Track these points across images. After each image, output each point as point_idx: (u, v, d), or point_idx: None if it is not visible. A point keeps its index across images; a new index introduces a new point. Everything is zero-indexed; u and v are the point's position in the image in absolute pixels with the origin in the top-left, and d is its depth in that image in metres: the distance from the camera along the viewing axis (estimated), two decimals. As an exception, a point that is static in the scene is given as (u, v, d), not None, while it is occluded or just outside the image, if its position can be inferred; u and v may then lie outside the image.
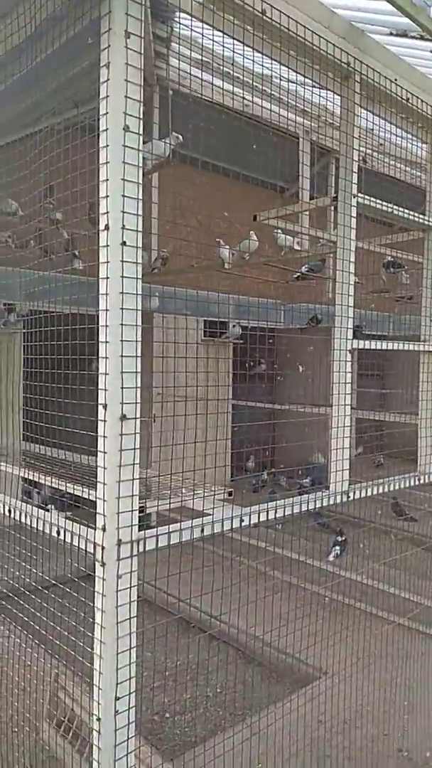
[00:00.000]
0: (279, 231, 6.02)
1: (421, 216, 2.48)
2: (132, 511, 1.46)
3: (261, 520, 1.89)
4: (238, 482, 9.89)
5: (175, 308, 8.04)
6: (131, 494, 1.45)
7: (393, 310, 10.87)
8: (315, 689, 3.94)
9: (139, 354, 1.47)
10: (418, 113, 2.41)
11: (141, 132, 1.43)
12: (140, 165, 1.42)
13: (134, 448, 1.45)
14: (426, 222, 2.50)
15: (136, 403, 1.46)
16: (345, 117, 2.06)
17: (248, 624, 4.35)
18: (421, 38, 2.11)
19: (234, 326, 9.59)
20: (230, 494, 2.14)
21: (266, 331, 10.44)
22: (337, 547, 6.80)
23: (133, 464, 1.45)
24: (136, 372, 1.46)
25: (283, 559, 6.04)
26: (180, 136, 4.23)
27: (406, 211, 2.39)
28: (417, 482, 2.45)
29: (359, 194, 2.09)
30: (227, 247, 6.43)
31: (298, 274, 8.12)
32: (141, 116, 1.43)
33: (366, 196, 2.13)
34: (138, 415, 1.47)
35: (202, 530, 1.63)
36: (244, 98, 6.12)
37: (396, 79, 2.20)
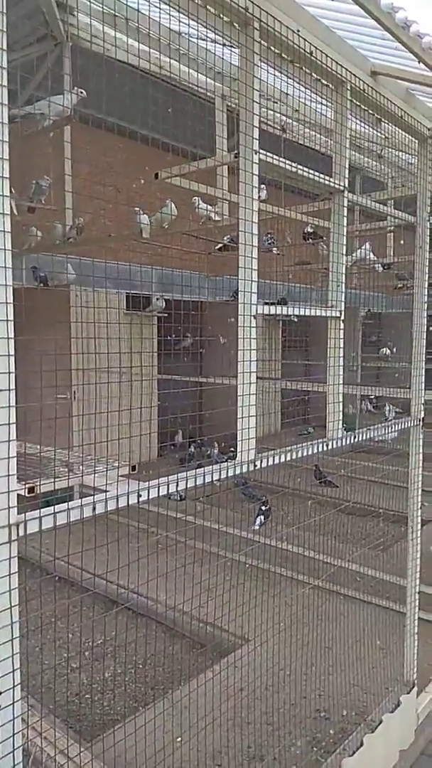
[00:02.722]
0: (197, 199, 5.86)
1: (327, 178, 2.42)
2: (9, 492, 1.33)
3: (164, 493, 1.80)
4: (167, 457, 9.84)
5: (93, 281, 7.77)
6: (7, 474, 1.32)
7: (316, 282, 11.01)
8: (236, 657, 3.97)
9: (11, 318, 1.32)
10: (323, 69, 2.33)
11: (4, 83, 1.27)
12: (4, 121, 1.26)
13: (9, 423, 1.32)
14: (332, 184, 2.44)
15: (9, 372, 1.32)
16: (244, 66, 1.95)
17: (171, 597, 4.33)
18: (322, -15, 2.02)
19: (157, 299, 9.41)
20: (134, 468, 2.04)
21: (190, 304, 10.35)
22: (261, 516, 6.90)
23: (9, 441, 1.32)
24: (8, 338, 1.31)
25: (208, 530, 6.05)
26: (83, 91, 3.96)
27: (311, 172, 2.32)
28: (325, 448, 2.44)
29: (261, 151, 1.99)
30: (145, 215, 6.22)
31: (221, 245, 8.02)
32: (4, 66, 1.27)
33: (268, 154, 2.04)
34: (11, 387, 1.33)
35: (94, 508, 1.52)
36: (160, 59, 5.87)
37: (299, 30, 2.11)
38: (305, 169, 2.31)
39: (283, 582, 5.21)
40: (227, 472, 1.98)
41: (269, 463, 2.14)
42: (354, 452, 9.81)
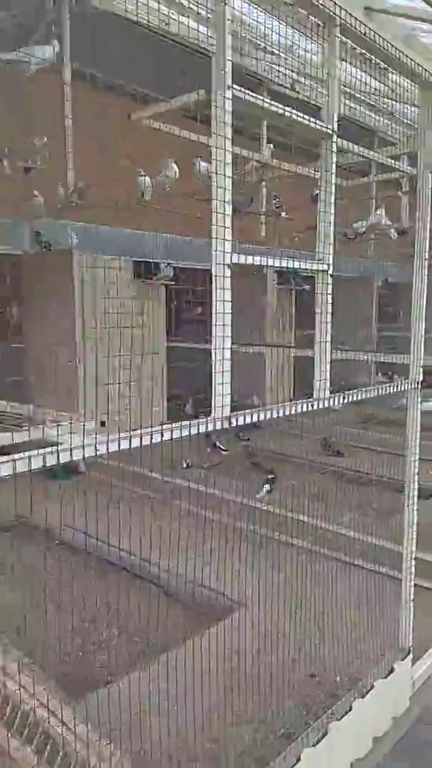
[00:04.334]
0: (199, 159, 5.69)
1: (315, 120, 2.27)
2: None
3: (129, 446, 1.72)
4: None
5: (99, 247, 7.64)
6: None
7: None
8: (231, 621, 3.95)
9: None
10: (311, 4, 2.17)
11: None
12: None
13: None
14: (320, 128, 2.29)
15: None
16: (216, -7, 1.80)
17: (171, 561, 4.31)
18: None
19: (165, 266, 9.27)
20: (103, 424, 1.97)
21: (198, 272, 10.17)
22: (267, 485, 6.88)
23: None
24: None
25: (213, 497, 6.03)
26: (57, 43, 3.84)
27: (296, 113, 2.18)
28: (310, 408, 2.34)
29: (235, 86, 1.86)
30: (147, 176, 6.06)
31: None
32: None
33: (242, 89, 1.90)
34: None
35: (44, 460, 1.45)
36: (159, 11, 5.63)
37: None
38: (288, 109, 2.17)
39: (284, 549, 5.17)
40: (198, 428, 1.90)
41: (245, 421, 2.05)
42: (366, 423, 9.71)
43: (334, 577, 4.48)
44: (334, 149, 2.32)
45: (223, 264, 1.89)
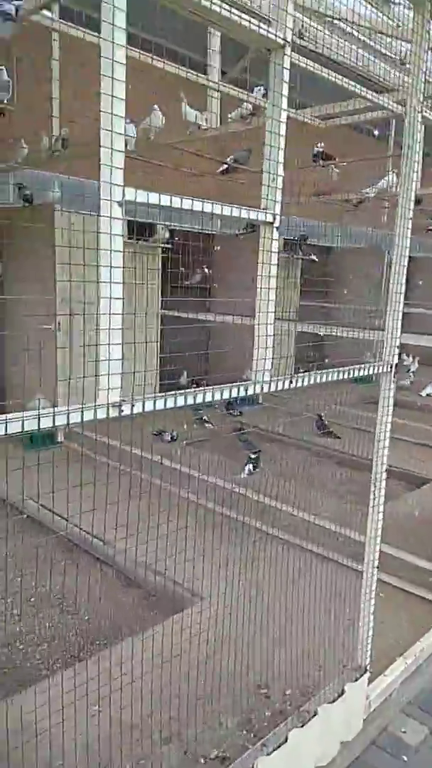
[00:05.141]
0: (184, 104, 5.11)
1: (261, 25, 1.77)
2: None
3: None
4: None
5: (84, 204, 7.12)
6: None
7: (340, 219, 10.08)
8: (183, 617, 3.60)
9: None
10: None
11: None
12: None
13: None
14: (268, 35, 1.79)
15: None
16: None
17: (131, 545, 3.95)
18: None
19: (162, 229, 8.72)
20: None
21: (201, 236, 9.59)
22: (250, 465, 6.50)
23: None
24: None
25: (191, 476, 5.65)
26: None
27: (236, 12, 1.68)
28: (245, 392, 1.90)
29: None
30: (131, 124, 5.51)
31: (226, 165, 7.19)
32: None
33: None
34: None
35: None
36: None
37: None
38: (230, 9, 1.67)
39: (257, 536, 4.79)
40: (82, 416, 1.48)
41: (143, 409, 1.62)
42: (368, 404, 9.23)
43: (309, 572, 4.08)
44: (286, 64, 1.82)
45: (111, 200, 1.44)
